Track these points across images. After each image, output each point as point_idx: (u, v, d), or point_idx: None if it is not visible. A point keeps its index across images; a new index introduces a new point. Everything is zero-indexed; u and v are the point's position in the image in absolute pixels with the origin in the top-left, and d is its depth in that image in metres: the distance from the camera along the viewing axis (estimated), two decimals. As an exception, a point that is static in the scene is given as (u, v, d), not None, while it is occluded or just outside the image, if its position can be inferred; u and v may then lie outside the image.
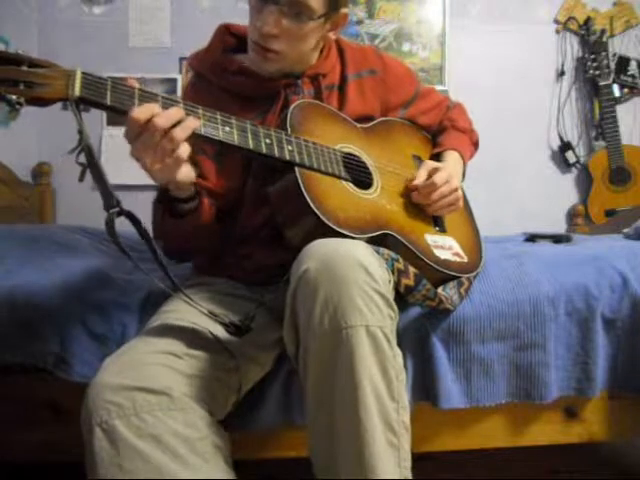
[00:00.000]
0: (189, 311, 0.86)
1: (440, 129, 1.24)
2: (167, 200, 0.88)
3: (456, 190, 1.05)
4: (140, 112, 0.73)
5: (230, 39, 1.06)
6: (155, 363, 0.74)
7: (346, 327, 0.69)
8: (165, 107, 0.76)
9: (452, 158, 1.15)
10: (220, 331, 0.84)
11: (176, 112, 0.76)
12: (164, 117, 0.74)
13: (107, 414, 0.67)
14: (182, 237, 0.94)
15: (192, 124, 0.77)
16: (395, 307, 0.76)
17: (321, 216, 0.85)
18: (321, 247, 0.76)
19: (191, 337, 0.81)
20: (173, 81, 2.46)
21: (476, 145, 1.27)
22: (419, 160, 1.15)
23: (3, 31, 2.15)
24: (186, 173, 0.80)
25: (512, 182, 2.64)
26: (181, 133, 0.75)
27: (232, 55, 1.03)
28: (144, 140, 0.74)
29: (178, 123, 0.75)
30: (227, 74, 0.99)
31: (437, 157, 1.18)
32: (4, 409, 1.04)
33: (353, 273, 0.72)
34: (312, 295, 0.71)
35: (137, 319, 1.03)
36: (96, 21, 2.49)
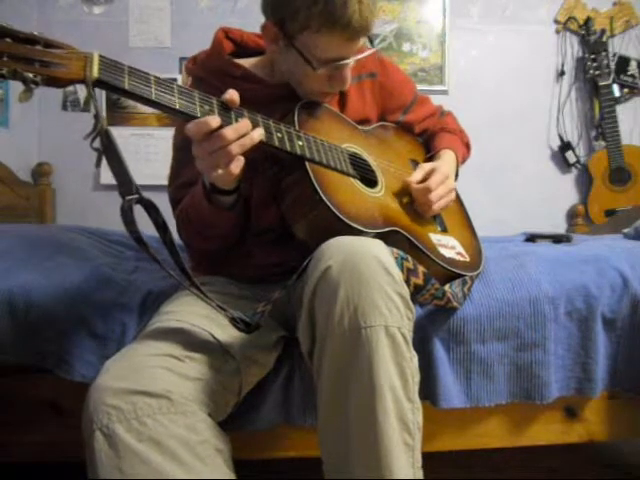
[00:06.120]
0: (189, 312, 0.86)
1: (432, 134, 1.25)
2: (210, 190, 0.88)
3: (452, 190, 1.07)
4: (213, 120, 0.76)
5: (228, 44, 1.06)
6: (155, 366, 0.73)
7: (365, 327, 0.70)
8: (181, 98, 0.77)
9: (447, 156, 1.16)
10: (220, 333, 0.84)
11: (244, 125, 0.79)
12: (232, 130, 0.77)
13: (107, 418, 0.67)
14: (220, 230, 0.96)
15: (249, 141, 0.80)
16: (413, 307, 0.76)
17: (333, 208, 0.85)
18: (341, 245, 0.76)
19: (191, 339, 0.81)
20: (173, 81, 2.45)
21: (468, 147, 1.28)
22: (416, 164, 1.16)
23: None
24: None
25: (512, 182, 2.65)
26: (237, 148, 0.78)
27: (233, 59, 1.03)
28: (205, 147, 0.78)
29: (242, 136, 0.79)
30: (230, 79, 0.99)
31: (432, 159, 1.18)
32: (4, 409, 1.04)
33: (375, 273, 0.72)
34: (333, 293, 0.72)
35: (137, 319, 1.03)
36: (96, 21, 2.49)
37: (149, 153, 2.48)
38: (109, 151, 0.69)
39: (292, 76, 0.99)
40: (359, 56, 0.96)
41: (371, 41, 1.00)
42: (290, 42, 0.92)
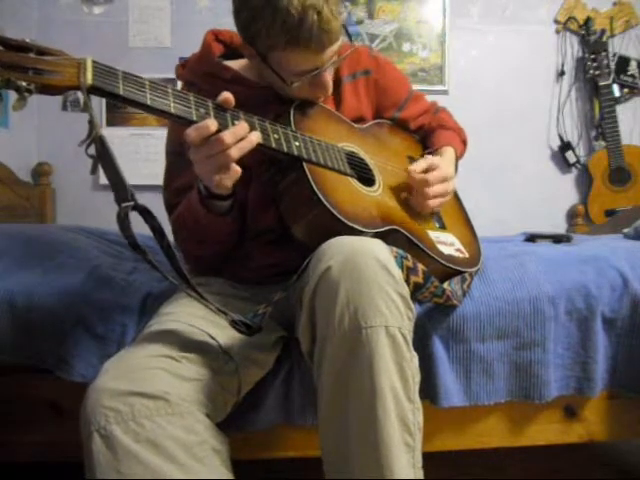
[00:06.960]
0: (188, 313, 0.86)
1: (429, 130, 1.24)
2: (206, 196, 0.88)
3: (449, 193, 1.06)
4: (212, 124, 0.76)
5: (218, 46, 1.05)
6: (153, 367, 0.73)
7: (366, 327, 0.70)
8: (176, 102, 0.76)
9: (449, 154, 1.15)
10: (219, 334, 0.84)
11: (242, 128, 0.79)
12: (230, 133, 0.77)
13: (105, 420, 0.67)
14: (216, 236, 0.96)
15: (248, 144, 0.79)
16: (413, 307, 0.77)
17: (331, 209, 0.85)
18: (342, 245, 0.76)
19: (189, 340, 0.81)
20: (173, 81, 2.46)
21: (464, 143, 1.27)
22: (413, 161, 1.15)
23: (3, 31, 2.15)
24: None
25: (512, 182, 2.65)
26: (236, 151, 0.78)
27: (223, 62, 1.02)
28: (203, 151, 0.77)
29: (240, 139, 0.79)
30: (220, 82, 0.99)
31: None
32: (4, 409, 1.04)
33: (375, 273, 0.72)
34: (334, 294, 0.72)
35: (137, 319, 1.03)
36: (96, 21, 2.49)
37: (149, 153, 2.48)
38: (104, 158, 0.69)
39: (276, 87, 0.99)
40: (341, 57, 0.95)
41: (350, 38, 1.00)
42: (263, 60, 0.92)
